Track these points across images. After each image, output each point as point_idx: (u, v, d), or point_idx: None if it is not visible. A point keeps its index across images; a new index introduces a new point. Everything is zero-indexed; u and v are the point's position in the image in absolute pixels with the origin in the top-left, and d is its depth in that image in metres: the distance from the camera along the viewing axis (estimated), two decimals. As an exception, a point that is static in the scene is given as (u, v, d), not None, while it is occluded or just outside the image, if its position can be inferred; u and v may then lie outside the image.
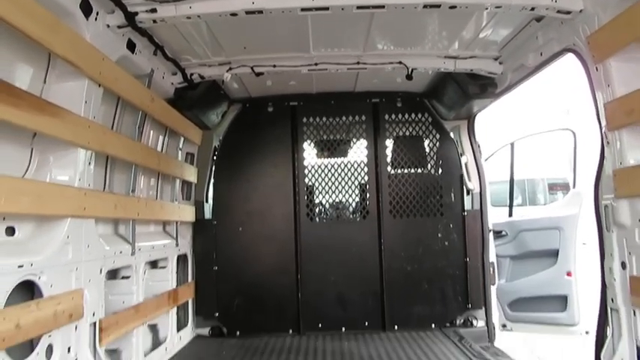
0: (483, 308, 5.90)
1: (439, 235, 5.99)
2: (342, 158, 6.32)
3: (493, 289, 5.96)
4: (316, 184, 6.23)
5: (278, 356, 4.98)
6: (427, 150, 6.27)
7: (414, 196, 6.06)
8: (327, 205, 6.36)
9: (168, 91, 5.01)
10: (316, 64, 4.94)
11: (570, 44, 3.67)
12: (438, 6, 3.62)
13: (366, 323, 5.89)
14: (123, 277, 4.33)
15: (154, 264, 5.04)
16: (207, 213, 6.06)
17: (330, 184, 6.22)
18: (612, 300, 3.36)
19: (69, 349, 3.17)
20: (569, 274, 6.25)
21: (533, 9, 3.65)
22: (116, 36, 3.76)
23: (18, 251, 2.87)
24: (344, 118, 6.28)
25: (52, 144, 3.20)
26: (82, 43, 3.28)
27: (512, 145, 7.38)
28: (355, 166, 6.22)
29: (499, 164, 7.65)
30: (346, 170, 6.22)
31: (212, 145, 6.16)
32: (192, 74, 5.02)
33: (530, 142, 7.66)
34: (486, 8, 3.72)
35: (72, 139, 3.23)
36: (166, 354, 4.90)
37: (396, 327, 5.85)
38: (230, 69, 4.96)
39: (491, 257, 6.00)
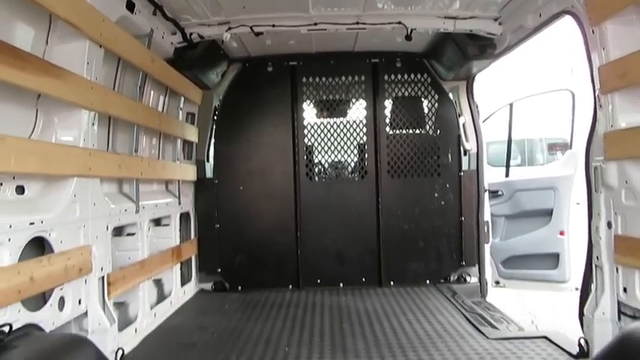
0: (477, 265, 6.11)
1: (435, 194, 6.12)
2: (342, 118, 6.37)
3: (487, 247, 6.15)
4: (315, 144, 6.31)
5: (278, 309, 5.20)
6: (426, 110, 6.32)
7: (412, 157, 6.15)
8: (326, 165, 6.47)
9: (167, 51, 5.02)
10: (315, 24, 4.93)
11: (568, 6, 3.67)
12: None
13: (363, 279, 6.10)
14: (128, 234, 4.49)
15: (157, 222, 5.19)
16: (209, 172, 6.17)
17: (329, 144, 6.30)
18: (597, 258, 3.50)
19: (79, 301, 3.34)
20: (561, 233, 6.39)
21: None
22: (115, -5, 3.76)
23: (29, 209, 2.99)
24: (343, 78, 6.29)
25: (56, 105, 3.27)
26: (82, 3, 3.29)
27: (510, 105, 7.39)
28: (354, 126, 6.29)
29: (500, 124, 7.66)
30: (345, 130, 6.29)
31: (212, 105, 6.20)
32: (191, 34, 5.01)
33: (532, 102, 7.65)
34: None
35: (75, 100, 3.30)
36: (171, 307, 5.12)
37: (391, 283, 6.06)
38: (229, 29, 4.96)
39: (486, 216, 6.15)
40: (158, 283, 5.18)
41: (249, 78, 6.20)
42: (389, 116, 6.28)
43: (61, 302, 3.16)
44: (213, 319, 4.90)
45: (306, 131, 6.25)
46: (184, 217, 5.75)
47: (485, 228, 6.11)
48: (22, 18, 3.08)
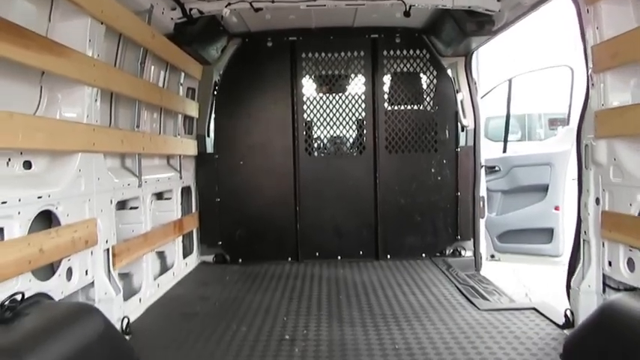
0: (472, 239, 6.25)
1: (432, 170, 6.21)
2: (341, 94, 6.42)
3: (482, 222, 6.28)
4: (315, 120, 6.37)
5: (277, 281, 5.36)
6: (424, 86, 6.36)
7: (410, 132, 6.23)
8: (325, 140, 6.54)
9: (167, 26, 5.04)
10: (314, 0, 4.94)
11: (564, -16, 3.70)
12: None
13: (361, 252, 6.25)
14: (131, 208, 4.61)
15: (159, 196, 5.31)
16: (209, 147, 6.26)
17: (328, 119, 6.36)
18: (585, 232, 3.62)
19: (86, 271, 3.48)
20: (556, 208, 6.50)
21: None
22: (115, -29, 3.79)
23: (36, 183, 3.10)
24: (342, 53, 6.32)
25: (60, 82, 3.34)
26: (83, -20, 3.33)
27: (509, 81, 7.41)
28: (353, 101, 6.34)
29: (502, 99, 7.68)
30: (344, 106, 6.34)
31: (212, 80, 6.25)
32: (191, 9, 5.02)
33: (533, 77, 7.65)
34: None
35: (78, 77, 3.37)
36: (174, 278, 5.28)
37: (388, 256, 6.22)
38: (229, 4, 4.96)
39: (482, 192, 6.26)
40: (161, 255, 5.33)
41: (249, 53, 6.23)
42: (387, 92, 6.32)
43: (69, 273, 3.30)
44: (214, 289, 5.07)
45: (305, 107, 6.30)
46: (185, 191, 5.87)
47: (481, 203, 6.22)
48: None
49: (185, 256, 5.72)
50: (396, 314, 4.15)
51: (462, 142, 6.25)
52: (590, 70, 3.53)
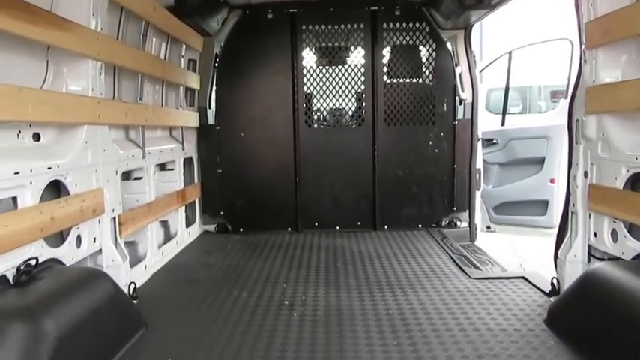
0: (467, 211, 6.39)
1: (430, 143, 6.31)
2: (340, 66, 6.44)
3: (478, 194, 6.41)
4: (314, 92, 6.43)
5: (277, 250, 5.53)
6: (423, 59, 6.39)
7: (408, 105, 6.29)
8: (325, 112, 6.61)
9: (168, -2, 5.08)
10: None
11: (561, -40, 3.74)
12: None
13: (359, 223, 6.41)
14: (136, 179, 4.75)
15: (162, 166, 5.44)
16: (211, 119, 6.35)
17: (327, 91, 6.42)
18: (573, 205, 3.76)
19: (94, 239, 3.65)
20: (552, 181, 6.63)
21: None
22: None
23: (45, 155, 3.22)
24: (342, 25, 6.32)
25: (65, 56, 3.43)
26: (86, -45, 3.38)
27: (509, 54, 7.43)
28: (352, 74, 6.38)
29: (503, 70, 7.68)
30: (343, 78, 6.39)
31: (213, 52, 6.28)
32: (192, -19, 5.06)
33: (535, 49, 7.64)
34: None
35: (83, 51, 3.46)
36: (177, 246, 5.46)
37: (385, 227, 6.38)
38: (229, -24, 4.99)
39: (478, 164, 6.37)
40: (165, 224, 5.50)
41: (250, 25, 6.25)
42: (387, 65, 6.36)
43: (78, 240, 3.46)
44: (216, 257, 5.24)
45: (305, 79, 6.35)
46: (188, 162, 6.00)
47: (477, 175, 6.34)
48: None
49: (188, 225, 5.89)
50: (391, 282, 4.32)
51: (459, 116, 6.32)
52: (583, 47, 3.60)
